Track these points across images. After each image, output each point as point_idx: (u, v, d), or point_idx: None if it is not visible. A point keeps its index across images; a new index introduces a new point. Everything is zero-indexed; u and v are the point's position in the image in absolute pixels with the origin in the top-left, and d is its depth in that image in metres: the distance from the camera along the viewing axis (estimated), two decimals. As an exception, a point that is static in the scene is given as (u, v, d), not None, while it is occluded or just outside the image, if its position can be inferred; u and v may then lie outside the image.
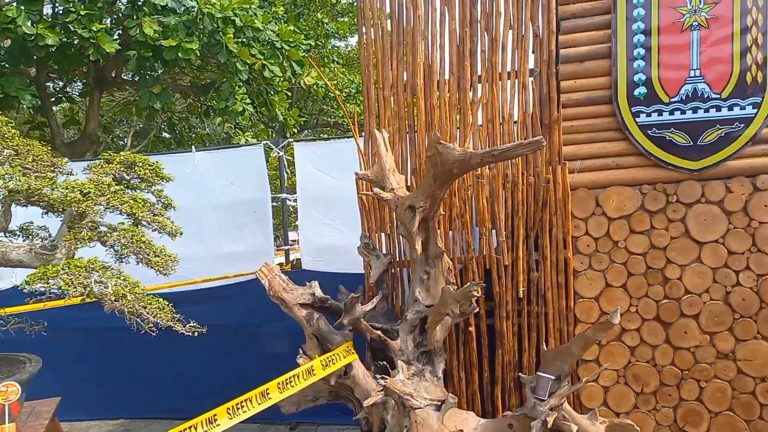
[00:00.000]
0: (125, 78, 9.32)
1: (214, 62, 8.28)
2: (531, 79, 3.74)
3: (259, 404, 2.64)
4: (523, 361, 3.72)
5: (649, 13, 3.52)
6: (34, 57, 6.95)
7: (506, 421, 3.24)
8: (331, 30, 11.75)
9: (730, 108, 3.46)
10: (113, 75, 8.84)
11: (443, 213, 3.67)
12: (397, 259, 3.90)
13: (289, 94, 9.34)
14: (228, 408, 2.56)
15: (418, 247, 3.27)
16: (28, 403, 3.38)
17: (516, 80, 3.75)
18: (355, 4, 3.94)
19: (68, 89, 10.36)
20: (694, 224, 3.49)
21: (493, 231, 3.78)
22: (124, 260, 2.88)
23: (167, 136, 11.86)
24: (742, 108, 3.45)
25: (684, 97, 3.50)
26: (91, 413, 5.32)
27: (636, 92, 3.55)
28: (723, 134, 3.46)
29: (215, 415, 2.52)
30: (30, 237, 3.14)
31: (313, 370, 2.91)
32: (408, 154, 3.93)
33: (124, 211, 2.72)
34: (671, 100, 3.51)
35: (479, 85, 3.81)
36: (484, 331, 3.78)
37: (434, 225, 3.37)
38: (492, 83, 3.77)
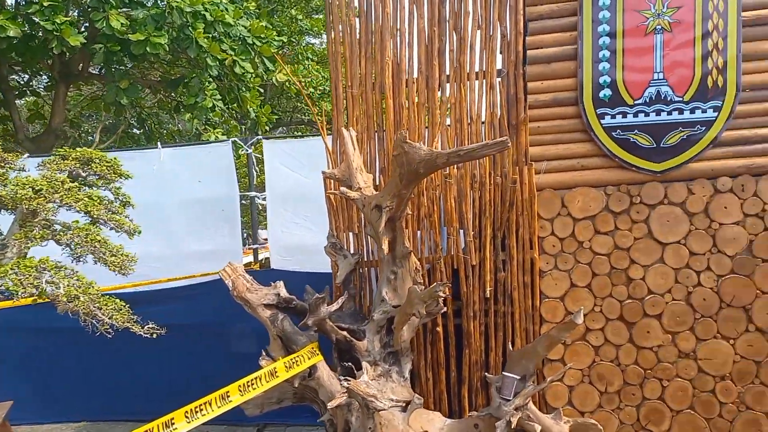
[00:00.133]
0: (92, 72, 9.09)
1: (184, 57, 8.14)
2: (498, 79, 3.74)
3: (219, 407, 2.59)
4: (490, 360, 3.73)
5: (614, 16, 3.56)
6: (-5, 49, 6.72)
7: (472, 421, 3.24)
8: (306, 27, 11.64)
9: (692, 111, 3.51)
10: (80, 68, 8.61)
11: (411, 213, 3.66)
12: (365, 259, 3.87)
13: (262, 90, 9.22)
14: (186, 411, 2.50)
15: (385, 246, 3.25)
16: (-20, 408, 3.26)
17: (484, 80, 3.75)
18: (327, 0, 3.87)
19: (33, 83, 10.06)
20: (657, 225, 3.54)
21: (461, 231, 3.78)
22: (81, 260, 2.80)
23: (137, 132, 11.62)
24: (704, 111, 3.51)
25: (648, 100, 3.54)
26: (53, 416, 5.17)
27: (601, 94, 3.58)
28: (685, 137, 3.52)
29: (173, 419, 2.45)
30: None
31: (276, 372, 2.86)
32: (376, 152, 3.90)
33: (79, 209, 2.63)
34: (635, 102, 3.56)
35: (447, 85, 3.80)
36: (452, 331, 3.78)
37: (401, 225, 3.35)
38: (460, 83, 3.76)
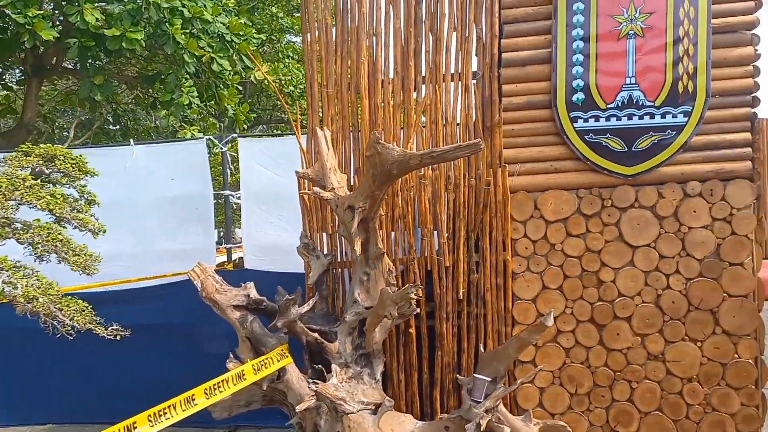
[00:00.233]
0: (67, 66, 8.91)
1: (161, 53, 8.01)
2: (474, 81, 3.75)
3: (184, 410, 2.54)
4: (462, 362, 3.73)
5: (588, 21, 3.59)
6: (-36, 42, 6.55)
7: (442, 424, 3.24)
8: (287, 25, 11.56)
9: (663, 116, 3.56)
10: (53, 63, 8.44)
11: (383, 213, 3.64)
12: (339, 260, 3.84)
13: (240, 88, 9.12)
14: (149, 415, 2.45)
15: (357, 248, 3.23)
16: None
17: (459, 82, 3.75)
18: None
19: (5, 77, 9.82)
20: (628, 228, 3.58)
21: (435, 232, 3.77)
22: (44, 259, 2.72)
23: (113, 128, 11.42)
24: (674, 116, 3.55)
25: (620, 104, 3.58)
26: (19, 418, 5.04)
27: (574, 98, 3.61)
28: (656, 141, 3.56)
29: (135, 422, 2.40)
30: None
31: (243, 375, 2.82)
32: (351, 153, 3.88)
33: (41, 207, 2.56)
34: (608, 106, 3.59)
35: (423, 86, 3.79)
36: (425, 333, 3.77)
37: (374, 226, 3.33)
38: (436, 84, 3.76)
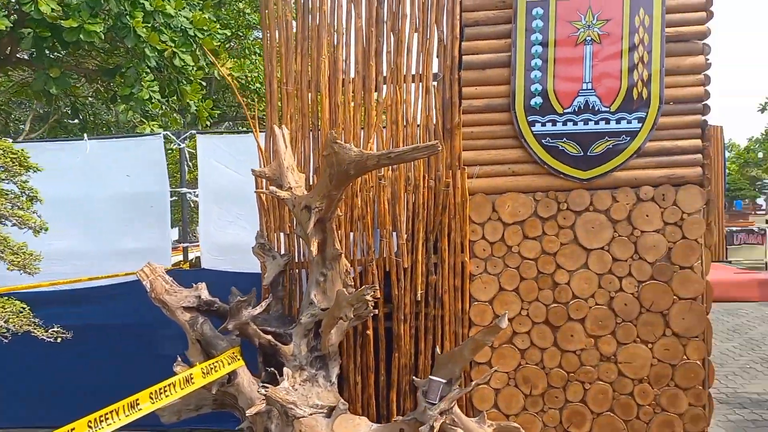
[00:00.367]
0: (22, 57, 8.57)
1: (122, 47, 7.79)
2: (434, 83, 3.75)
3: (127, 416, 2.45)
4: (419, 364, 3.73)
5: (546, 26, 3.62)
6: None
7: (397, 426, 3.21)
8: (254, 21, 11.38)
9: (618, 121, 3.62)
10: (8, 53, 8.11)
11: (340, 214, 3.60)
12: (296, 261, 3.79)
13: (204, 84, 8.95)
14: (89, 421, 2.35)
15: (314, 248, 3.18)
16: None
17: (420, 84, 3.75)
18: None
19: (-45, 66, 9.40)
20: (583, 231, 3.63)
21: (394, 233, 3.76)
22: (-18, 257, 2.59)
23: (72, 122, 11.06)
24: (629, 122, 3.62)
25: (576, 109, 3.63)
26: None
27: (532, 102, 3.64)
28: (611, 146, 3.62)
29: (73, 428, 2.30)
30: None
31: (192, 379, 2.75)
32: (311, 152, 3.83)
33: (-25, 203, 2.43)
34: (565, 111, 3.63)
35: (384, 86, 3.77)
36: (382, 335, 3.75)
37: (332, 226, 3.29)
38: (397, 85, 3.74)
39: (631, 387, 3.61)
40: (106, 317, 4.41)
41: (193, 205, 5.31)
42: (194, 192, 5.07)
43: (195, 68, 7.97)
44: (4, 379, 4.66)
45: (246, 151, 4.68)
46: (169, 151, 6.29)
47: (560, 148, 3.64)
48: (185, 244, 5.08)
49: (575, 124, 3.64)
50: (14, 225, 2.60)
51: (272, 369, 3.11)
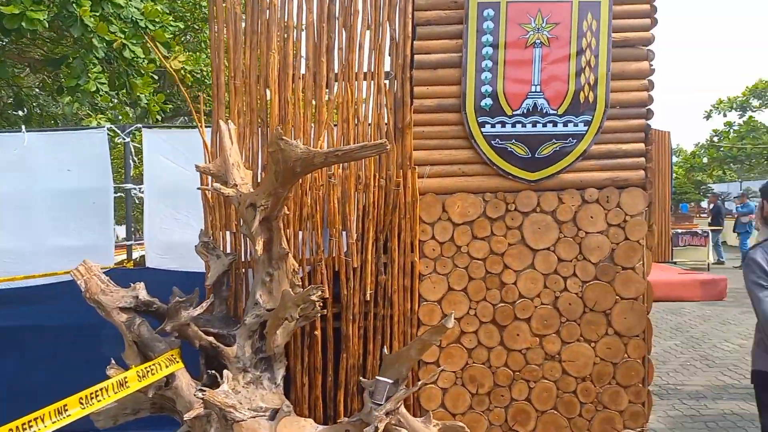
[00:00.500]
0: (-42, 44, 8.13)
1: (69, 36, 7.48)
2: (386, 81, 3.72)
3: (54, 422, 2.32)
4: (368, 364, 3.70)
5: (497, 28, 3.65)
6: None
7: (343, 427, 3.18)
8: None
9: (565, 124, 3.68)
10: (-58, 39, 7.67)
11: (288, 212, 3.54)
12: (243, 260, 3.70)
13: (157, 77, 8.69)
14: (11, 429, 2.22)
15: (259, 247, 3.11)
16: None
17: (372, 82, 3.72)
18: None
19: None
20: (530, 232, 3.68)
21: (344, 233, 3.72)
22: None
23: (16, 113, 10.55)
24: (575, 125, 3.69)
25: (525, 111, 3.67)
26: None
27: (483, 103, 3.66)
28: (558, 148, 3.68)
29: (-8, 437, 2.17)
30: None
31: (126, 382, 2.63)
32: (259, 148, 3.74)
33: None
34: (514, 112, 3.67)
35: (335, 83, 3.73)
36: (330, 335, 3.70)
37: (278, 224, 3.23)
38: (348, 82, 3.70)
39: (575, 385, 3.68)
40: (44, 318, 4.20)
41: (137, 202, 5.13)
42: (139, 188, 4.89)
43: (146, 61, 7.73)
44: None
45: (194, 146, 4.53)
46: (115, 146, 6.05)
47: (509, 149, 3.67)
48: (129, 242, 4.90)
49: (524, 126, 3.68)
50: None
51: (213, 372, 3.02)
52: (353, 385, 3.68)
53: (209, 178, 3.54)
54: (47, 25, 6.62)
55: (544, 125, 3.68)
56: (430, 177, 3.70)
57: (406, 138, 3.67)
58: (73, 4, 6.57)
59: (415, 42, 3.70)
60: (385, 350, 3.38)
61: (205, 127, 3.84)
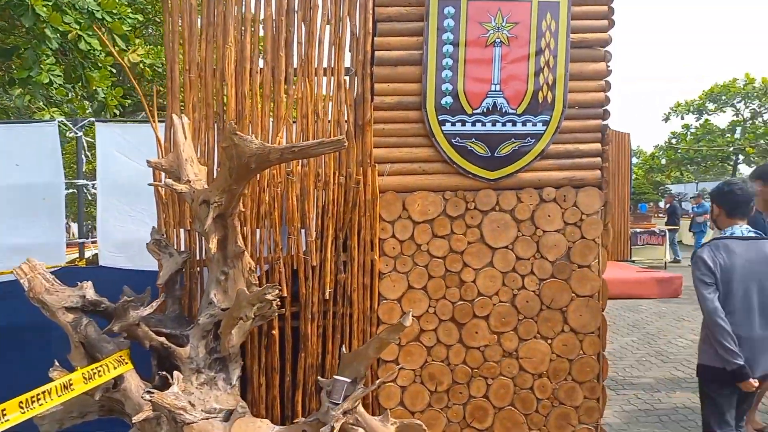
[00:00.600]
0: None
1: (21, 25, 7.18)
2: (347, 78, 3.69)
3: (-11, 428, 2.22)
4: (327, 363, 3.66)
5: (458, 26, 3.65)
6: None
7: (299, 428, 3.13)
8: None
9: (524, 123, 3.71)
10: None
11: (244, 209, 3.47)
12: (198, 258, 3.61)
13: (114, 71, 8.43)
14: (-59, 435, 2.11)
15: (213, 245, 3.03)
16: None
17: (332, 78, 3.67)
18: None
19: None
20: (489, 231, 3.70)
21: (302, 231, 3.66)
22: None
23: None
24: (534, 124, 3.72)
25: (485, 110, 3.68)
26: None
27: (443, 101, 3.66)
28: (517, 147, 3.71)
29: None
30: None
31: (71, 385, 2.53)
32: (215, 143, 3.66)
33: None
34: (474, 111, 3.68)
35: (294, 79, 3.67)
36: (289, 334, 3.65)
37: (233, 222, 3.15)
38: (308, 78, 3.65)
39: (531, 381, 3.72)
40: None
41: (90, 199, 4.96)
42: (92, 184, 4.74)
43: (103, 53, 7.49)
44: None
45: (150, 141, 4.42)
46: (68, 140, 5.85)
47: (469, 148, 3.68)
48: (81, 240, 4.74)
49: (484, 125, 3.69)
50: None
51: (165, 373, 2.93)
52: (311, 385, 3.64)
53: (162, 174, 3.44)
54: (-2, 14, 6.36)
55: (504, 124, 3.70)
56: (391, 175, 3.68)
57: (367, 135, 3.64)
58: (25, -7, 6.31)
59: (375, 38, 3.67)
60: (344, 349, 3.36)
61: (160, 121, 3.73)
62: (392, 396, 3.66)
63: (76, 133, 4.64)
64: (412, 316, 3.63)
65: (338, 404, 3.05)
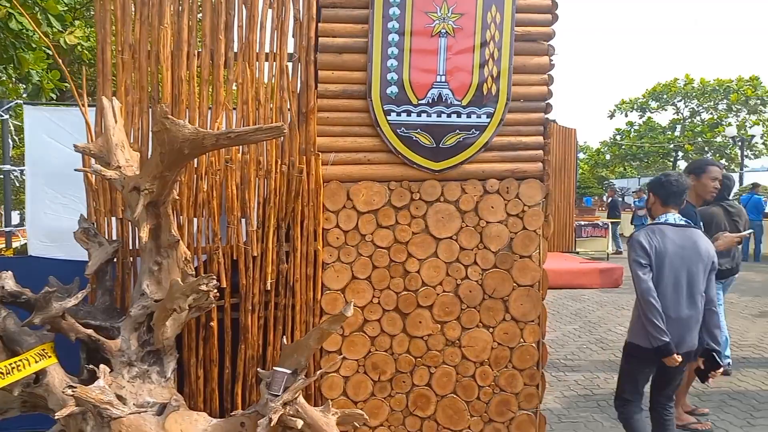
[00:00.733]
0: None
1: (-57, 0, 6.70)
2: (290, 64, 3.60)
3: None
4: (268, 355, 3.59)
5: (403, 14, 3.62)
6: None
7: (238, 420, 3.06)
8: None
9: (469, 115, 3.73)
10: None
11: (178, 197, 3.34)
12: (130, 248, 3.47)
13: (50, 53, 7.99)
14: None
15: (144, 234, 2.91)
16: None
17: (274, 63, 3.58)
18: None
19: None
20: (433, 221, 3.70)
21: (243, 220, 3.57)
22: None
23: None
24: (478, 116, 3.74)
25: (430, 101, 3.67)
26: None
27: (388, 91, 3.63)
28: (461, 139, 3.72)
29: None
30: None
31: (-15, 381, 2.38)
32: (150, 128, 3.50)
33: None
34: (419, 102, 3.66)
35: (234, 63, 3.55)
36: (228, 326, 3.56)
37: (166, 210, 3.03)
38: (249, 62, 3.54)
39: (473, 369, 3.77)
40: None
41: (18, 185, 4.69)
42: (20, 170, 4.47)
43: (36, 34, 7.08)
44: None
45: (82, 125, 4.21)
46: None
47: (414, 138, 3.67)
48: (8, 229, 4.47)
49: (429, 115, 3.69)
50: None
51: (93, 367, 2.79)
52: (252, 377, 3.57)
53: (92, 159, 3.27)
54: None
55: (449, 116, 3.70)
56: (335, 164, 3.63)
57: (310, 123, 3.58)
58: (-53, -36, 5.90)
59: (319, 24, 3.59)
60: (284, 340, 3.30)
61: (92, 106, 3.55)
62: (335, 386, 3.63)
63: (2, 116, 4.36)
64: (356, 306, 3.61)
65: (278, 396, 2.99)
